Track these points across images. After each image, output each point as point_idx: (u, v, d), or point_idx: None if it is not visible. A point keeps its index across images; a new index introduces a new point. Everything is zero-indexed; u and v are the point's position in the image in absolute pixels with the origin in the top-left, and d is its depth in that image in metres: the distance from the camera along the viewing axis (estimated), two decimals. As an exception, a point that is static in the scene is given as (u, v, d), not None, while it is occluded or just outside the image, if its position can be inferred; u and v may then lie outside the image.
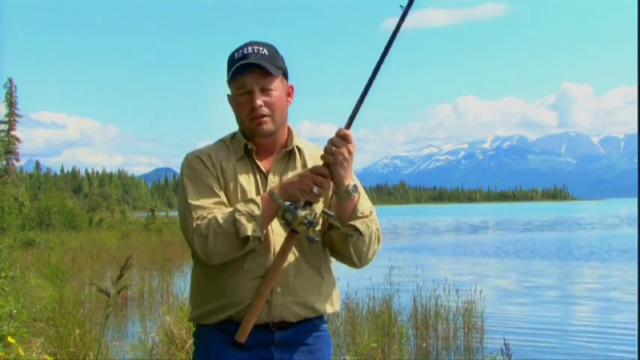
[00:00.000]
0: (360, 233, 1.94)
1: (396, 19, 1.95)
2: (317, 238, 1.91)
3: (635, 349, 7.23)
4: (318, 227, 1.99)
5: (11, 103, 40.15)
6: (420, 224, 50.21)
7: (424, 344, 7.53)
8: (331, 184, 1.94)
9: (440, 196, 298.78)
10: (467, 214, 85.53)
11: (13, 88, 40.62)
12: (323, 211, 1.96)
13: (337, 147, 1.90)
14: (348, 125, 1.94)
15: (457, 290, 8.65)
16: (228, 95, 2.06)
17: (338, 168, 1.90)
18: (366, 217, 1.97)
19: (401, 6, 1.95)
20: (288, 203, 1.88)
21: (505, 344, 3.94)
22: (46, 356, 5.34)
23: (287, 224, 1.90)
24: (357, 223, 1.94)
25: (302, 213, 1.86)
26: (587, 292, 12.30)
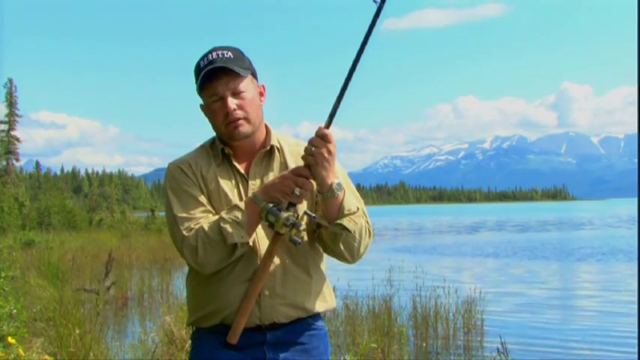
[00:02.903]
0: (349, 231, 1.94)
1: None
2: (300, 240, 1.90)
3: (635, 349, 7.23)
4: (304, 227, 1.99)
5: (11, 103, 40.18)
6: (419, 224, 50.20)
7: (424, 344, 7.54)
8: (314, 184, 1.94)
9: (440, 196, 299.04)
10: (467, 214, 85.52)
11: (13, 88, 40.67)
12: (305, 213, 1.97)
13: (317, 147, 1.88)
14: (328, 124, 1.92)
15: (457, 290, 8.66)
16: (201, 105, 2.06)
17: (319, 168, 1.89)
18: (353, 213, 1.96)
19: (374, 1, 1.93)
20: (270, 205, 1.89)
21: (501, 344, 3.94)
22: (46, 356, 5.35)
23: (270, 226, 1.90)
24: (345, 222, 1.94)
25: (284, 215, 1.87)
26: (586, 292, 12.30)
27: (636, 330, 8.24)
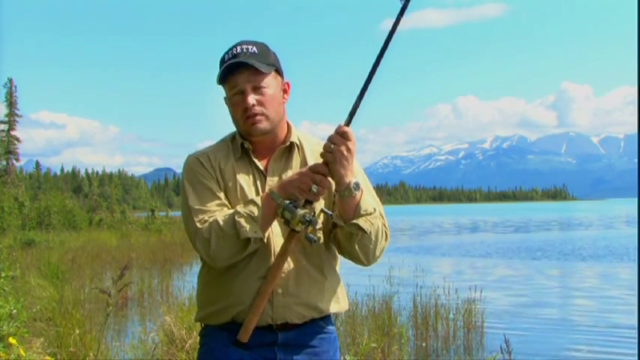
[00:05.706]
0: (364, 231, 1.91)
1: (395, 20, 1.91)
2: (316, 238, 1.88)
3: (636, 349, 7.23)
4: (320, 226, 1.97)
5: (11, 103, 40.18)
6: (419, 224, 50.19)
7: (424, 344, 7.53)
8: (332, 182, 1.91)
9: (440, 196, 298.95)
10: (467, 214, 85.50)
11: (13, 88, 40.67)
12: (322, 210, 1.94)
13: (336, 144, 1.86)
14: (348, 122, 1.89)
15: (457, 290, 8.66)
16: (225, 98, 2.04)
17: (337, 166, 1.86)
18: (370, 214, 1.93)
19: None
20: (287, 202, 1.86)
21: (505, 341, 3.95)
22: (47, 356, 5.35)
23: (286, 223, 1.88)
24: (360, 222, 1.90)
25: (301, 212, 1.84)
26: (587, 292, 12.29)
27: (636, 330, 8.23)
